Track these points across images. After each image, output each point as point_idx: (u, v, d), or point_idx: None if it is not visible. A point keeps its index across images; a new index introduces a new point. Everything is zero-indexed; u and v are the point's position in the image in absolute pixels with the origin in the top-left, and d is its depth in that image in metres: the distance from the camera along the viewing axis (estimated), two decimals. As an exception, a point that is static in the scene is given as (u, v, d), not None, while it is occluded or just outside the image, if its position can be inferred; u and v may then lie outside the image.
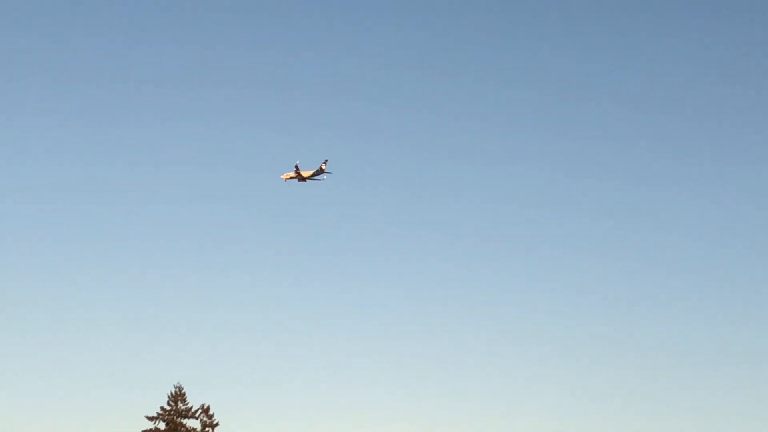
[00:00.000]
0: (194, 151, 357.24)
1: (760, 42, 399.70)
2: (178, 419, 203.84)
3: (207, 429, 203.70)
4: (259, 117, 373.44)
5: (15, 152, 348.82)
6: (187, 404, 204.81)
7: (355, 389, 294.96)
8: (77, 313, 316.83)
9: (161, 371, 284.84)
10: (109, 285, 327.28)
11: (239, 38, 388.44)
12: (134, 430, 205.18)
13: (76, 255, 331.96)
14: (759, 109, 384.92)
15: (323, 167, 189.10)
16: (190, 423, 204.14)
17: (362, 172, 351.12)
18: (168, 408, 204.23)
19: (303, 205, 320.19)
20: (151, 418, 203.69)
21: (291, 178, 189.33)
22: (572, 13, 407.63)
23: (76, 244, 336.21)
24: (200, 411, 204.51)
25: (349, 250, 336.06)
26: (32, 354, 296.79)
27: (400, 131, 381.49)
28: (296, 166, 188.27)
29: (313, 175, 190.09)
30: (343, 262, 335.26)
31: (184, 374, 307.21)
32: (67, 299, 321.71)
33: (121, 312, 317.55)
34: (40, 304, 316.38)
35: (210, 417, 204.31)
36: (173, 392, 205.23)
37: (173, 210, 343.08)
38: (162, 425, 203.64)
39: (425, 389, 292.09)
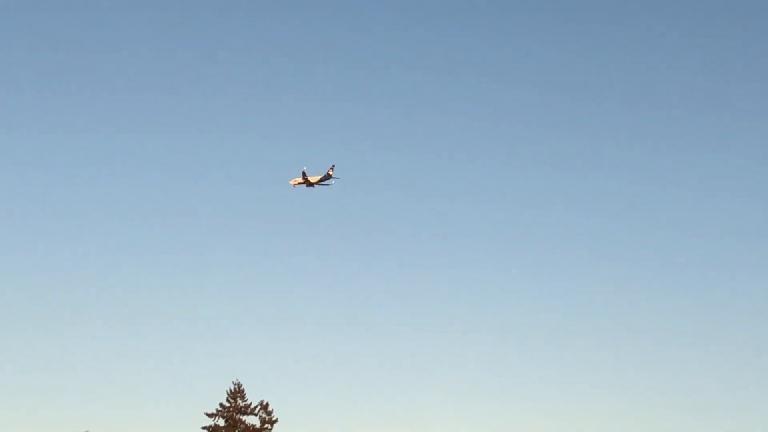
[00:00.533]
0: (202, 158, 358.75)
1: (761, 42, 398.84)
2: (237, 416, 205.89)
3: (266, 425, 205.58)
4: (264, 122, 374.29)
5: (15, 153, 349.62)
6: (246, 401, 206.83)
7: (409, 385, 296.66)
8: (139, 311, 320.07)
9: (221, 368, 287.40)
10: (171, 284, 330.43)
11: (243, 42, 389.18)
12: (194, 427, 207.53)
13: (142, 254, 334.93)
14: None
15: (330, 172, 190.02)
16: (249, 419, 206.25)
17: (368, 174, 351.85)
18: (227, 405, 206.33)
19: (328, 210, 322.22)
20: (210, 415, 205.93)
21: (299, 183, 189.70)
22: (572, 13, 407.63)
23: (147, 244, 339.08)
24: (259, 407, 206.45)
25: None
26: (95, 352, 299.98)
27: (403, 133, 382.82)
28: (303, 172, 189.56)
29: (321, 180, 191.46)
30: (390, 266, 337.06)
31: (242, 371, 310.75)
32: (129, 297, 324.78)
33: (182, 310, 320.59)
34: (104, 303, 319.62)
35: (269, 413, 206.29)
36: (232, 389, 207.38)
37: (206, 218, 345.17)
38: (221, 422, 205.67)
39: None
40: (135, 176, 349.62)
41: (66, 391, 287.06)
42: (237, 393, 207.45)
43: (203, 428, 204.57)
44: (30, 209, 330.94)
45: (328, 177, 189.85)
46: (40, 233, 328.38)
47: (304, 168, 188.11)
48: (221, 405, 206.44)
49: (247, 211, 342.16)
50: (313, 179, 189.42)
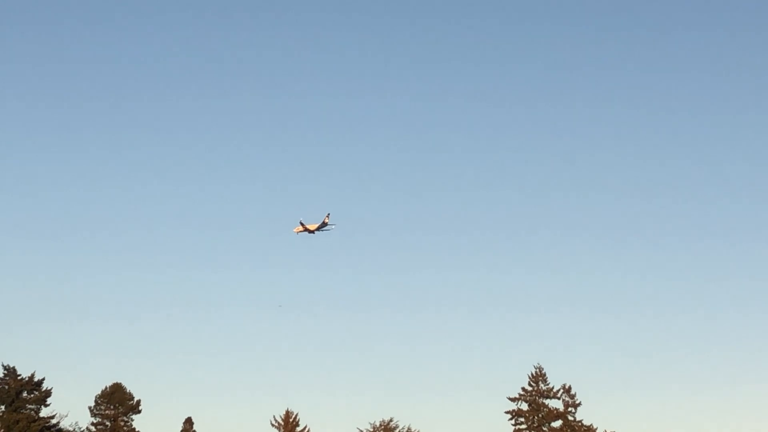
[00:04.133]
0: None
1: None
2: (540, 399, 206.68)
3: (569, 409, 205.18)
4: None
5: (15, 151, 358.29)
6: (548, 384, 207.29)
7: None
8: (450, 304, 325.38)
9: (522, 353, 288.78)
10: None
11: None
12: (498, 411, 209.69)
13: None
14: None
15: (326, 220, 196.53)
16: (552, 403, 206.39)
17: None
18: (529, 389, 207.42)
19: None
20: (513, 399, 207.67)
21: (301, 231, 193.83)
22: (571, 14, 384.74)
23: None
24: (562, 391, 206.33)
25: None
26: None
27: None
28: (301, 222, 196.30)
29: (320, 227, 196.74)
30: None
31: (544, 355, 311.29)
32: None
33: (486, 299, 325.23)
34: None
35: (572, 397, 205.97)
36: (534, 373, 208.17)
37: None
38: (524, 405, 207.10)
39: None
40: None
41: (368, 382, 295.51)
42: (539, 377, 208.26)
43: (506, 412, 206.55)
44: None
45: (325, 224, 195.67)
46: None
47: (301, 219, 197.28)
48: (523, 389, 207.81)
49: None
50: (311, 227, 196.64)
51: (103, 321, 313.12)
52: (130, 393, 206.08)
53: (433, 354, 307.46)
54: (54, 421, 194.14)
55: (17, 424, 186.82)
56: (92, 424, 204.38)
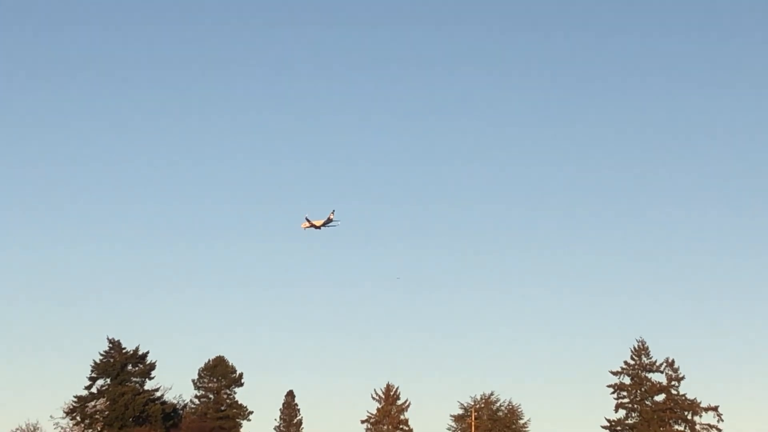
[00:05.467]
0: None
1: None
2: (643, 373, 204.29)
3: (672, 382, 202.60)
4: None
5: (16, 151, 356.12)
6: (650, 358, 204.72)
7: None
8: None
9: (624, 326, 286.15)
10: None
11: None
12: (600, 385, 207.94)
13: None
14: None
15: (331, 217, 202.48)
16: (655, 377, 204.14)
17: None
18: (631, 362, 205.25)
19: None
20: (615, 373, 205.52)
21: (308, 227, 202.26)
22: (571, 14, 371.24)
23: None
24: (665, 365, 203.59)
25: None
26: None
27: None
28: (306, 218, 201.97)
29: (325, 223, 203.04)
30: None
31: (646, 329, 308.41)
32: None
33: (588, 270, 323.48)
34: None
35: (675, 370, 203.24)
36: (636, 346, 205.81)
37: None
38: (626, 379, 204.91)
39: None
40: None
41: (468, 356, 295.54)
42: (641, 351, 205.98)
43: (609, 386, 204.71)
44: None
45: (329, 221, 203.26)
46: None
47: (306, 215, 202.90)
48: (626, 363, 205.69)
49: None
50: (317, 223, 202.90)
51: (206, 295, 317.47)
52: (232, 366, 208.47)
53: (533, 328, 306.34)
54: (158, 394, 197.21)
55: (123, 396, 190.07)
56: (195, 396, 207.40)
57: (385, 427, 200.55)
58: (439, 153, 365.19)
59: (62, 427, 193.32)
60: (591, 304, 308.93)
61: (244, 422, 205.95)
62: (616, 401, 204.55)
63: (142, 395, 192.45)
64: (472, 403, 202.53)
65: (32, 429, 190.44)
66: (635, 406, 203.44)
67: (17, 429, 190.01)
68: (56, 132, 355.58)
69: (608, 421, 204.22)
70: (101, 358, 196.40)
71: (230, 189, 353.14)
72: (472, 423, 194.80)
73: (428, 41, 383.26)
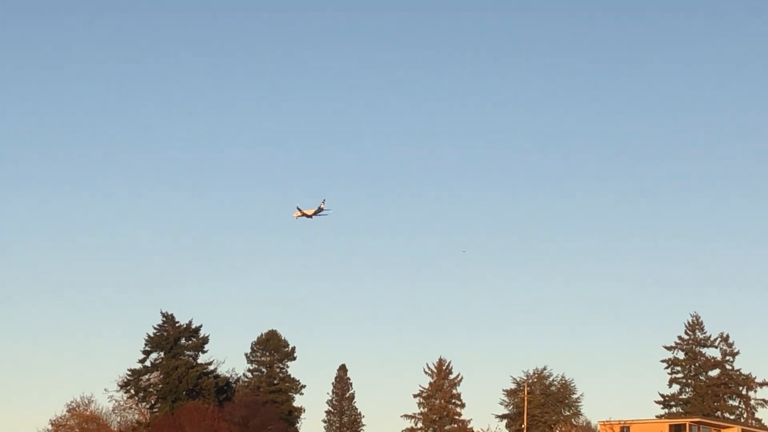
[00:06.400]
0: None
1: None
2: (697, 348, 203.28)
3: (727, 358, 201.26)
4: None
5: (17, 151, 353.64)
6: (705, 333, 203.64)
7: None
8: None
9: (674, 300, 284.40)
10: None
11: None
12: (653, 359, 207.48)
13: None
14: None
15: (322, 206, 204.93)
16: (709, 352, 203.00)
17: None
18: (686, 337, 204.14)
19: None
20: (669, 348, 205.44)
21: (300, 216, 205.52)
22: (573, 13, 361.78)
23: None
24: (719, 339, 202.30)
25: None
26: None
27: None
28: (298, 208, 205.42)
29: (316, 212, 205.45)
30: None
31: (700, 303, 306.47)
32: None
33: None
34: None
35: (729, 345, 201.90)
36: (690, 321, 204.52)
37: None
38: (680, 354, 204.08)
39: None
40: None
41: (521, 331, 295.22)
42: (695, 325, 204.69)
43: (662, 361, 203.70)
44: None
45: (320, 210, 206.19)
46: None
47: (298, 204, 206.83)
48: (679, 338, 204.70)
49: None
50: (309, 212, 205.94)
51: (258, 269, 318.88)
52: (285, 340, 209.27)
53: (586, 303, 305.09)
54: (211, 368, 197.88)
55: (176, 370, 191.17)
56: (248, 370, 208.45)
57: (438, 401, 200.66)
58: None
59: (116, 400, 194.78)
60: (645, 278, 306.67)
61: (297, 396, 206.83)
62: (669, 376, 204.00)
63: (195, 369, 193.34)
64: (525, 378, 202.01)
65: (87, 402, 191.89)
66: (689, 381, 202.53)
67: (72, 402, 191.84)
68: (114, 112, 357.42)
69: (662, 396, 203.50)
70: (155, 331, 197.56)
71: (280, 166, 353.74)
72: (525, 398, 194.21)
73: (421, 26, 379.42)
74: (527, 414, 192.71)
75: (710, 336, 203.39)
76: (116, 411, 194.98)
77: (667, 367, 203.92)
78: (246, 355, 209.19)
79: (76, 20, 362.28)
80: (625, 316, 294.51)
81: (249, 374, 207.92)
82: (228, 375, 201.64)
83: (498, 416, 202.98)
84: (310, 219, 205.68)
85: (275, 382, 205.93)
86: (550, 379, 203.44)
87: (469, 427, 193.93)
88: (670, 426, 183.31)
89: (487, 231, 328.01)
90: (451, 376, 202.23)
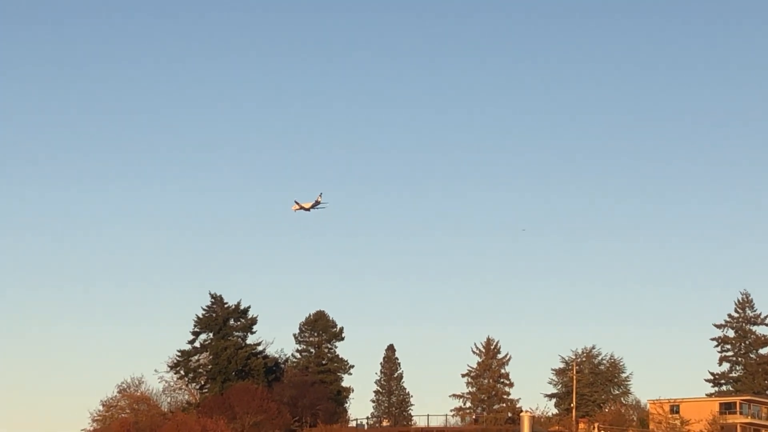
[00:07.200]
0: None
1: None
2: (747, 326, 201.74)
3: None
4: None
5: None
6: (755, 311, 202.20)
7: None
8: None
9: (724, 278, 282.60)
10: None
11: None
12: (703, 338, 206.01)
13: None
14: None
15: (319, 199, 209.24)
16: (759, 329, 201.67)
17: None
18: (735, 315, 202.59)
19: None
20: (719, 326, 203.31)
21: (298, 209, 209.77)
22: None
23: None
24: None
25: None
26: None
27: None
28: (296, 201, 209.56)
29: (314, 205, 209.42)
30: None
31: (749, 280, 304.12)
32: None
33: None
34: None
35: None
36: (740, 299, 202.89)
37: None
38: (730, 332, 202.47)
39: None
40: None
41: (570, 310, 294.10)
42: (745, 303, 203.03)
43: (712, 339, 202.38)
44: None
45: (318, 203, 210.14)
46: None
47: (295, 199, 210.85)
48: (729, 316, 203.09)
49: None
50: (306, 205, 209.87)
51: (306, 250, 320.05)
52: (333, 320, 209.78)
53: (635, 281, 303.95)
54: (260, 348, 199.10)
55: (225, 350, 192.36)
56: (297, 351, 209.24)
57: (486, 380, 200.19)
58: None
59: (166, 381, 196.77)
60: (694, 256, 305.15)
61: (345, 376, 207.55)
62: (719, 354, 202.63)
63: (244, 349, 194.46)
64: (574, 357, 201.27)
65: (137, 383, 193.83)
66: (739, 359, 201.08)
67: (123, 383, 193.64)
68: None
69: (712, 374, 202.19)
70: (204, 313, 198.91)
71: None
72: (574, 377, 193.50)
73: (417, 25, 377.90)
74: (576, 393, 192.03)
75: (760, 314, 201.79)
76: (166, 392, 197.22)
77: (716, 346, 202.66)
78: (294, 335, 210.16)
79: (78, 19, 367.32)
80: (674, 295, 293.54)
81: (297, 355, 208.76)
82: (276, 355, 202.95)
83: (547, 395, 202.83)
84: (308, 212, 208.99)
85: (324, 362, 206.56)
86: (599, 358, 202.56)
87: (517, 406, 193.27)
88: (721, 404, 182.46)
89: (539, 210, 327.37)
90: (500, 356, 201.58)
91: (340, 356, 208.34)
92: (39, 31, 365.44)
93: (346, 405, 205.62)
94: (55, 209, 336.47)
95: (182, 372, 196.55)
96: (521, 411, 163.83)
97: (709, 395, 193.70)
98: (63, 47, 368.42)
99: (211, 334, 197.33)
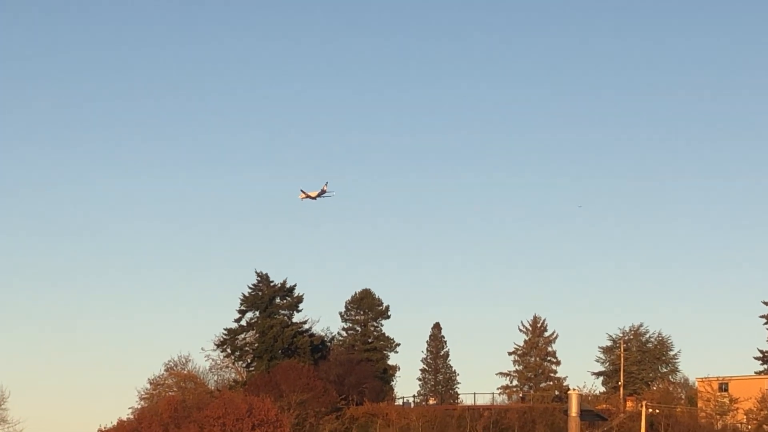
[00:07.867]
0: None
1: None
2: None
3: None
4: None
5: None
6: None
7: None
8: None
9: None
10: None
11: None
12: (752, 315, 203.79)
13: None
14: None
15: (325, 188, 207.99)
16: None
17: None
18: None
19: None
20: (767, 303, 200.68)
21: (305, 198, 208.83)
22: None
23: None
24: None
25: None
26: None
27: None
28: (302, 190, 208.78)
29: (320, 194, 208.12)
30: None
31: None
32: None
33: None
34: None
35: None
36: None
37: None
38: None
39: None
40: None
41: (617, 287, 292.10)
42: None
43: (761, 316, 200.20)
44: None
45: (324, 192, 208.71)
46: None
47: (301, 188, 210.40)
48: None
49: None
50: (312, 194, 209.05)
51: (352, 227, 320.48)
52: (379, 299, 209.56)
53: (683, 258, 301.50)
54: (306, 327, 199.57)
55: (271, 329, 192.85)
56: (343, 329, 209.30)
57: (533, 359, 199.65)
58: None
59: (213, 359, 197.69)
60: (743, 231, 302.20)
61: (391, 354, 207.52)
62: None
63: (290, 328, 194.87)
64: (621, 335, 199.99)
65: (184, 361, 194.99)
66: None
67: (170, 361, 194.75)
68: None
69: (761, 352, 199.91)
70: (250, 291, 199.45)
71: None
72: (621, 355, 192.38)
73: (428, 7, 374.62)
74: (624, 371, 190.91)
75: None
76: (213, 370, 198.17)
77: (766, 323, 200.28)
78: (340, 314, 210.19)
79: (74, 12, 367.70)
80: (722, 271, 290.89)
81: (343, 333, 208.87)
82: (323, 334, 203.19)
83: (594, 373, 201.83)
84: (314, 201, 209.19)
85: (370, 340, 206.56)
86: (647, 335, 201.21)
87: (564, 384, 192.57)
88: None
89: (586, 190, 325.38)
90: (546, 334, 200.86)
91: (386, 334, 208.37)
92: (39, 31, 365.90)
93: (393, 383, 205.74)
94: (102, 198, 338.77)
95: (229, 350, 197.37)
96: (568, 389, 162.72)
97: (759, 373, 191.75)
98: (63, 47, 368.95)
99: (257, 313, 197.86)
